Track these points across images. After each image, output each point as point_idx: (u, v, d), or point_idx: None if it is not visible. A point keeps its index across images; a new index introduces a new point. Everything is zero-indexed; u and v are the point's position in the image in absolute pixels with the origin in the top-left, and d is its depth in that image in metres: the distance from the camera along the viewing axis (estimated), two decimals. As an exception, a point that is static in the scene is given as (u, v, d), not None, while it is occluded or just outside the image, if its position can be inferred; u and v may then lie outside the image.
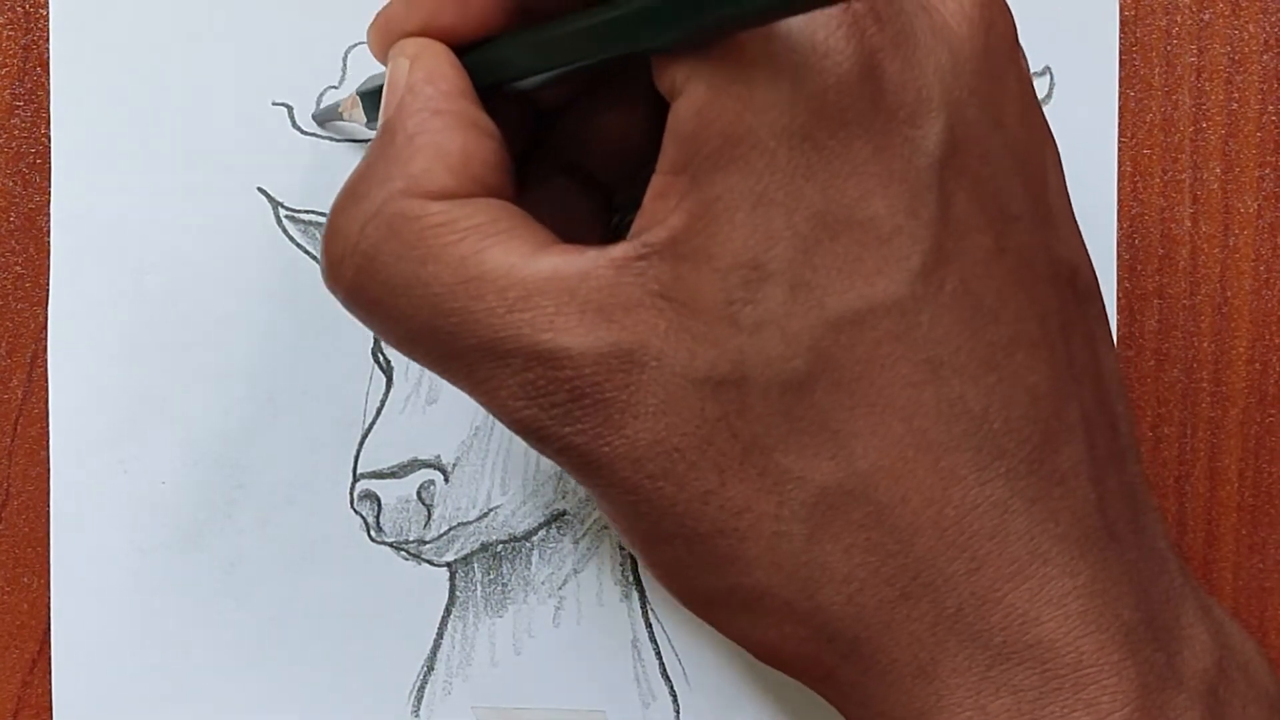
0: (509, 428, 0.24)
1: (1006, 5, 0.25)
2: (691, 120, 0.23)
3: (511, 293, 0.23)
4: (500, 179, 0.25)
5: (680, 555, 0.24)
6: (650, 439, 0.23)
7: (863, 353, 0.23)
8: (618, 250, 0.23)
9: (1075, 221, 0.27)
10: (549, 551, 0.34)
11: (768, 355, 0.23)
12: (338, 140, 0.34)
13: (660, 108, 0.24)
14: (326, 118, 0.34)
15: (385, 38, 0.26)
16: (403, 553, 0.34)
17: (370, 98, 0.30)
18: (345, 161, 0.34)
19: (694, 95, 0.23)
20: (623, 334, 0.23)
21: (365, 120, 0.31)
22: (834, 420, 0.23)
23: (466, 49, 0.26)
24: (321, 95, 0.34)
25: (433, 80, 0.25)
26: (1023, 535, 0.24)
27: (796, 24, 0.22)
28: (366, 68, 0.34)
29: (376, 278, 0.24)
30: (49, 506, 0.34)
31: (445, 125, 0.24)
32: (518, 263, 0.23)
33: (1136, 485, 0.26)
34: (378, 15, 0.27)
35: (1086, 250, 0.27)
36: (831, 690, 0.25)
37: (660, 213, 0.23)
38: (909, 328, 0.23)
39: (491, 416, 0.34)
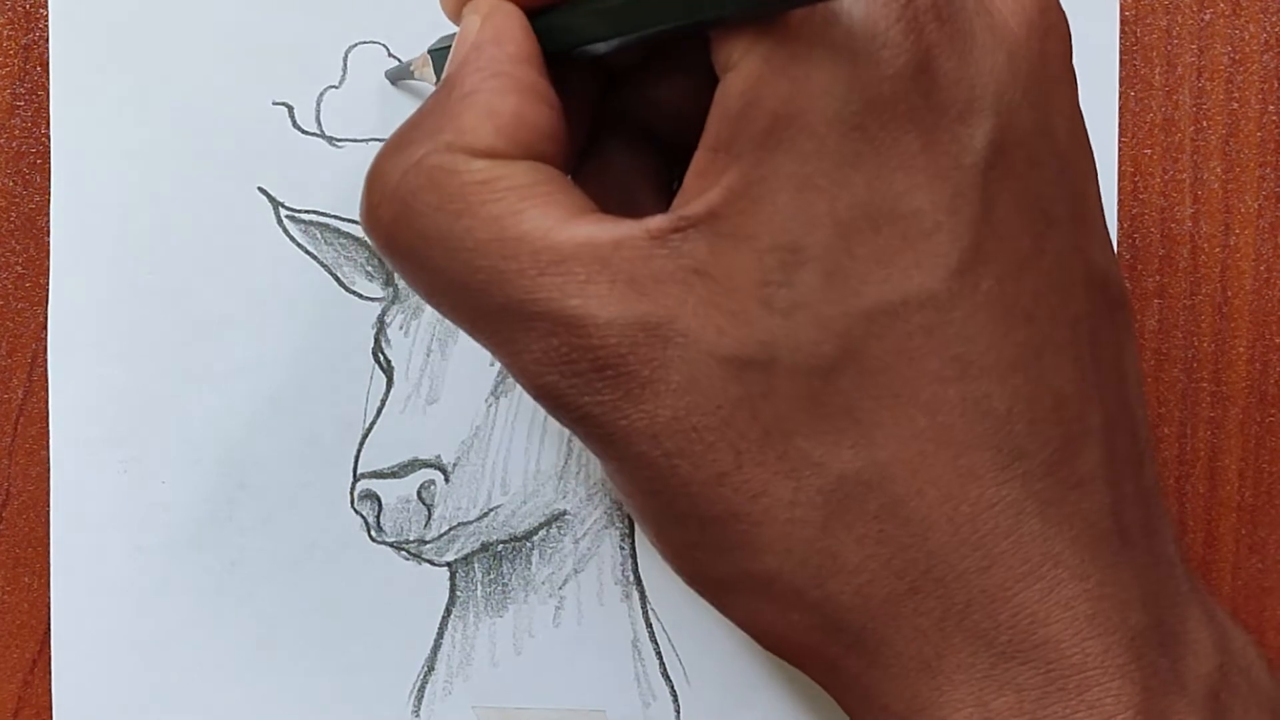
0: (529, 392, 0.24)
1: (1064, 14, 0.25)
2: (741, 97, 0.23)
3: (544, 256, 0.23)
4: (551, 148, 0.25)
5: (692, 537, 0.24)
6: (670, 415, 0.23)
7: (893, 344, 0.23)
8: (654, 222, 0.23)
9: (1108, 231, 0.27)
10: (549, 551, 0.34)
11: (798, 339, 0.23)
12: (339, 140, 0.34)
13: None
14: (399, 76, 0.33)
15: None
16: (403, 553, 0.34)
17: (440, 55, 0.30)
18: (346, 161, 0.34)
19: (746, 71, 0.23)
20: (652, 306, 0.23)
21: (435, 80, 0.31)
22: (858, 409, 0.23)
23: (539, 12, 0.26)
24: (321, 95, 0.34)
25: (499, 41, 0.25)
26: (1036, 536, 0.24)
27: (857, 13, 0.22)
28: (367, 68, 0.34)
29: (412, 226, 0.24)
30: (49, 506, 0.34)
31: (502, 87, 0.24)
32: (554, 226, 0.23)
33: (1150, 489, 0.26)
34: None
35: (1117, 260, 0.27)
36: (834, 681, 0.25)
37: (700, 188, 0.23)
38: (941, 324, 0.23)
39: (493, 415, 0.34)
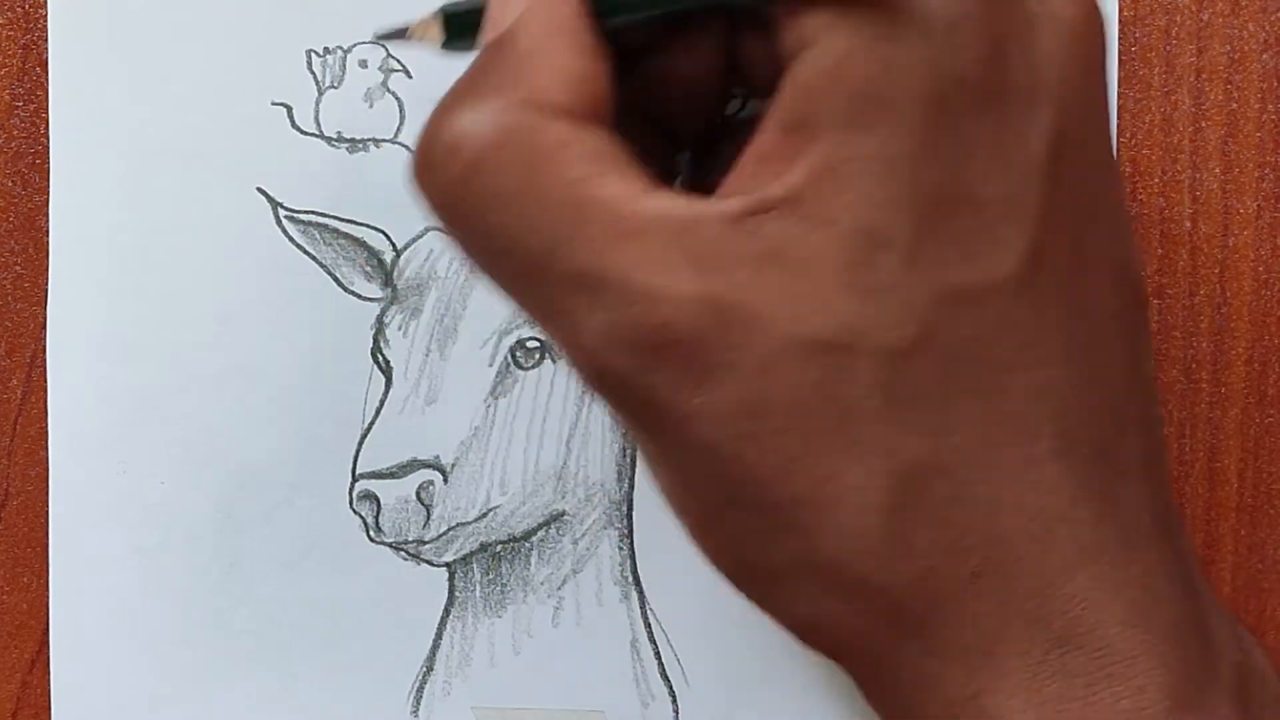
0: (581, 370, 0.23)
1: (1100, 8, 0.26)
2: (825, 75, 0.22)
3: (620, 225, 0.22)
4: (610, 108, 0.24)
5: (749, 524, 0.24)
6: (737, 398, 0.23)
7: (969, 329, 0.23)
8: (732, 204, 0.23)
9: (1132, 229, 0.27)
10: (548, 552, 0.34)
11: (881, 322, 0.23)
12: (338, 140, 0.34)
13: (732, 56, 0.24)
14: (390, 36, 0.32)
15: None
16: (402, 553, 0.34)
17: (458, 20, 0.29)
18: (346, 162, 0.34)
19: (829, 49, 0.22)
20: (726, 288, 0.22)
21: (439, 43, 0.30)
22: (931, 394, 0.23)
23: None
24: (321, 96, 0.34)
25: (555, 2, 0.24)
26: (1089, 523, 0.24)
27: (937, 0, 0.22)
28: (367, 68, 0.34)
29: (478, 183, 0.23)
30: (48, 506, 0.34)
31: (568, 46, 0.24)
32: (632, 196, 0.23)
33: (1169, 486, 0.26)
34: None
35: (1140, 258, 0.27)
36: (879, 672, 0.25)
37: (772, 170, 0.23)
38: (1012, 310, 0.23)
39: (492, 416, 0.34)
